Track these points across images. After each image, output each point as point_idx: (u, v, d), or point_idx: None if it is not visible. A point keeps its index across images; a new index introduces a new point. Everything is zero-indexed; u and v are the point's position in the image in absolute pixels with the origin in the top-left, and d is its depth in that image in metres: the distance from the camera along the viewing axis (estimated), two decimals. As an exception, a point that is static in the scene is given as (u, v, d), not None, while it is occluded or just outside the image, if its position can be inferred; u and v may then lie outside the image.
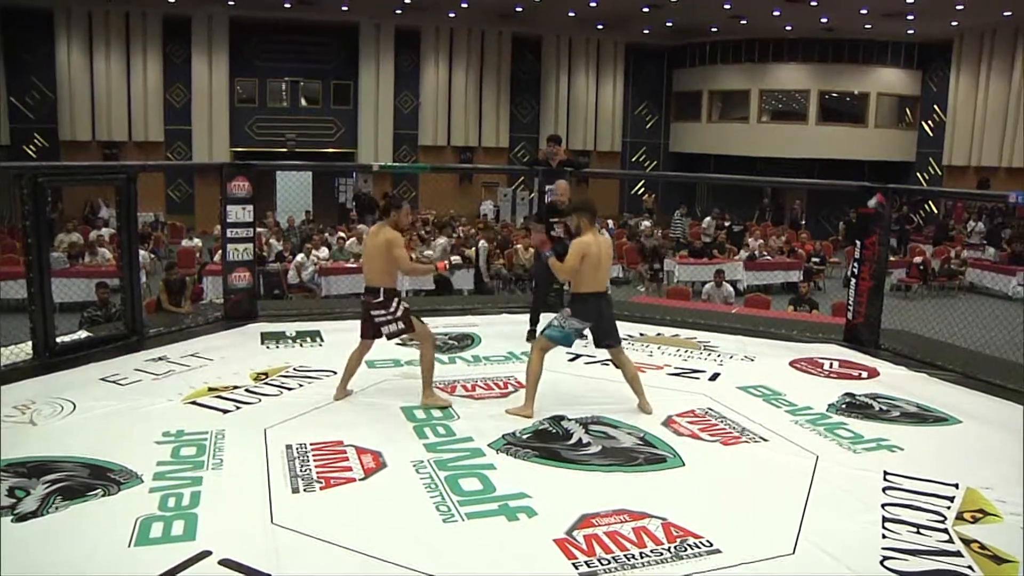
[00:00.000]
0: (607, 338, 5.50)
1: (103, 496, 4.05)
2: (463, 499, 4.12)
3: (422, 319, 5.70)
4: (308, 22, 23.17)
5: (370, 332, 5.60)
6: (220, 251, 9.04)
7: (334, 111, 24.59)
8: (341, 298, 12.82)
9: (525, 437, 5.01)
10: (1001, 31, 21.61)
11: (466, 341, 7.47)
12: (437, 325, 7.46)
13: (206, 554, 3.52)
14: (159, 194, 22.71)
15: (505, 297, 12.90)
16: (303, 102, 24.76)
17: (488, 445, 4.84)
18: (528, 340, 7.33)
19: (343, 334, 7.50)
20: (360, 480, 4.35)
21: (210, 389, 5.79)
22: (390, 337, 5.59)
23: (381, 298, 5.42)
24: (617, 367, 5.62)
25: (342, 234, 16.71)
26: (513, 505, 4.06)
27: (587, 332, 5.55)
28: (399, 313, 5.44)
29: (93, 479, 4.23)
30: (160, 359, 6.56)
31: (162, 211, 22.53)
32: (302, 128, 24.17)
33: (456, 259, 6.77)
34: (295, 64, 23.99)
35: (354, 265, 14.47)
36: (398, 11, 22.63)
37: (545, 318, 6.66)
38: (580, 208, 5.50)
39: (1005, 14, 19.77)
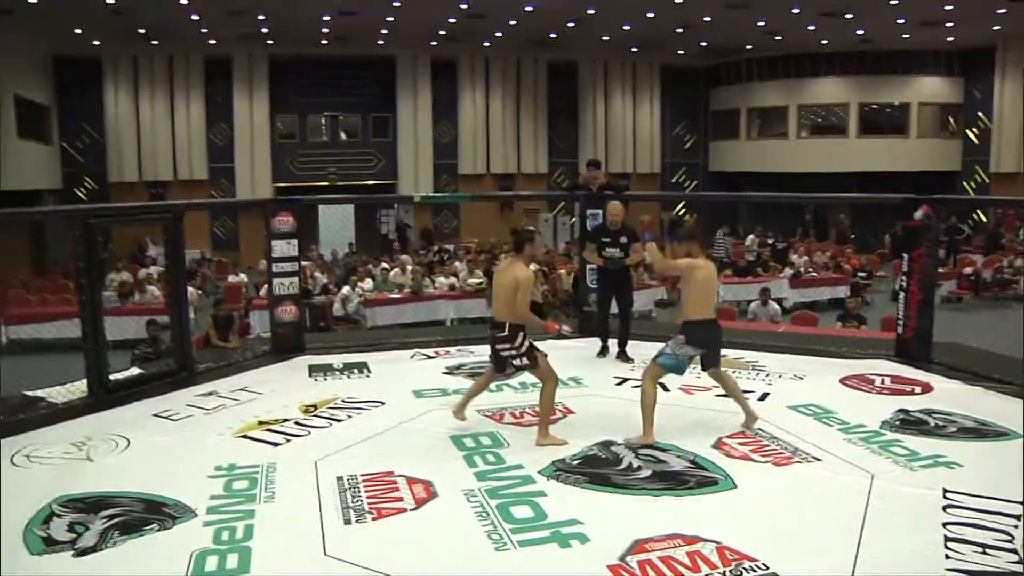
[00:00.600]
0: (712, 362, 5.59)
1: (158, 530, 4.10)
2: (515, 527, 4.10)
3: (546, 356, 5.55)
4: (345, 57, 23.58)
5: (499, 366, 5.54)
6: (266, 286, 9.17)
7: (374, 143, 24.93)
8: (386, 328, 12.91)
9: (575, 463, 4.98)
10: (1046, 34, 21.23)
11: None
12: (481, 353, 7.48)
13: (261, 587, 3.54)
14: (204, 231, 23.15)
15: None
16: (343, 136, 25.17)
17: (538, 472, 4.81)
18: (599, 356, 7.56)
19: (390, 364, 7.59)
20: (411, 510, 4.35)
21: (260, 423, 5.84)
22: (514, 372, 5.53)
23: (506, 332, 5.37)
24: (716, 383, 5.79)
25: (385, 265, 16.85)
26: (565, 532, 4.03)
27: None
28: (523, 348, 5.37)
29: (148, 513, 4.28)
30: (210, 394, 6.64)
31: (208, 248, 22.98)
32: (343, 161, 24.56)
33: (567, 329, 6.53)
34: (334, 99, 24.44)
35: (398, 296, 14.60)
36: (433, 43, 22.92)
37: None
38: (686, 236, 5.73)
39: (1049, 16, 19.42)
